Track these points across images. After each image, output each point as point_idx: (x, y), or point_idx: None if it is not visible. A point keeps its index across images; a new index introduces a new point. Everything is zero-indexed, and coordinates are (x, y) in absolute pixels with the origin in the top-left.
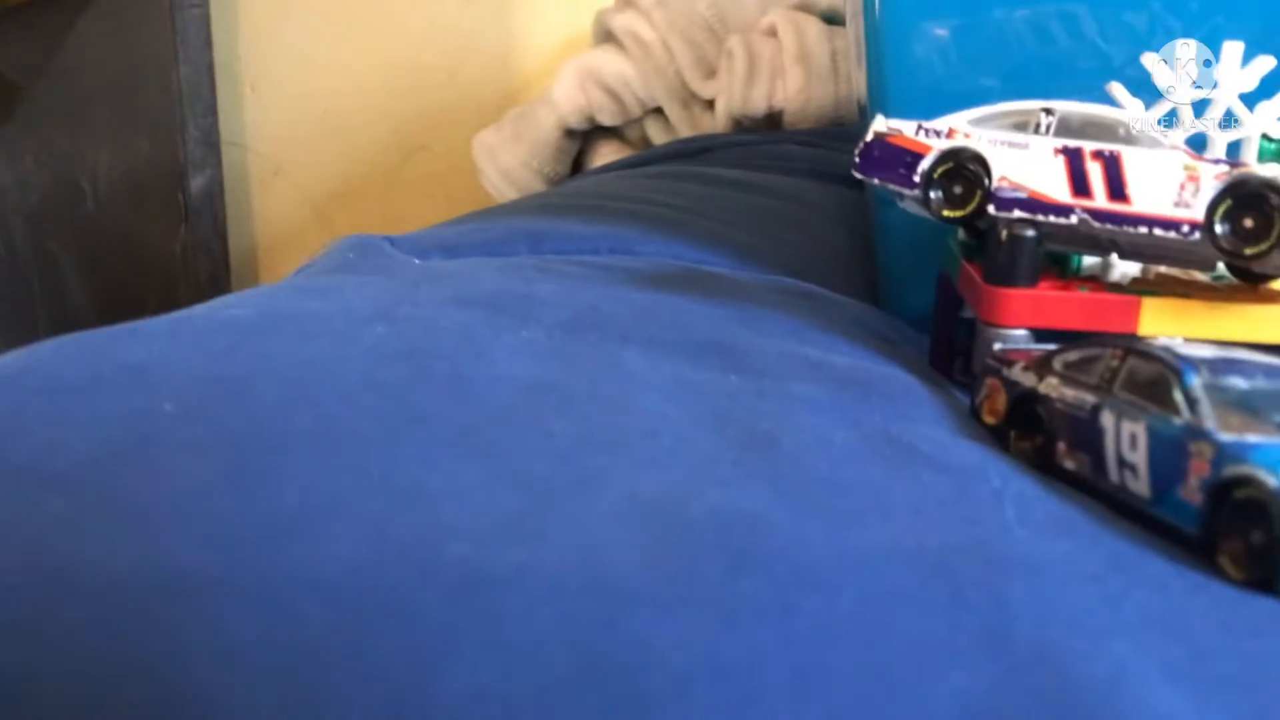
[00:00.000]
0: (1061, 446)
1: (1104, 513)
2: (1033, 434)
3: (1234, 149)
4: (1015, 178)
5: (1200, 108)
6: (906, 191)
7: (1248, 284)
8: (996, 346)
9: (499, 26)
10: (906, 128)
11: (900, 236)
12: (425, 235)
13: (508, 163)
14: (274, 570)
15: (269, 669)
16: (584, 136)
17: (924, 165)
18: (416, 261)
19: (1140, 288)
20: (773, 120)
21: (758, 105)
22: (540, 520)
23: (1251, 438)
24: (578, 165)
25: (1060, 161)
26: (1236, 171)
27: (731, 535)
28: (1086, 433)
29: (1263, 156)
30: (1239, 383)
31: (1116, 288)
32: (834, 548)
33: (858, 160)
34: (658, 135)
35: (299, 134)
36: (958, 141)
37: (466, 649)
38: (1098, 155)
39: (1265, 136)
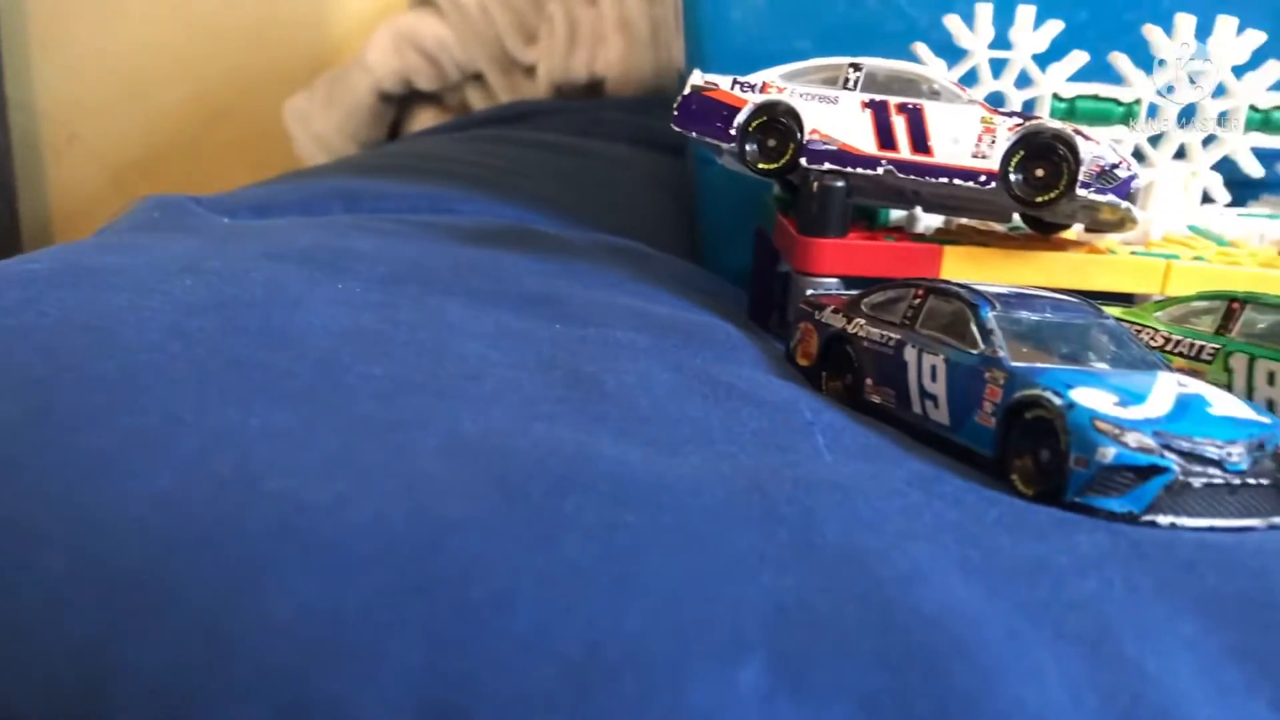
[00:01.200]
0: (869, 383)
1: (908, 441)
2: (843, 373)
3: (1029, 106)
4: (825, 131)
5: (998, 68)
6: (724, 145)
7: (1041, 234)
8: (809, 293)
9: None
10: (723, 82)
11: (719, 196)
12: (234, 195)
13: (321, 128)
14: (83, 512)
15: (79, 608)
16: (401, 102)
17: (740, 119)
18: (225, 220)
19: (942, 237)
20: (594, 87)
21: (579, 72)
22: (361, 456)
23: (1040, 364)
24: (396, 132)
25: (867, 115)
26: (1029, 124)
27: (554, 463)
28: (891, 368)
29: (1054, 115)
30: (1029, 316)
31: (920, 237)
32: (655, 471)
33: (676, 114)
34: (478, 101)
35: (95, 97)
36: (771, 96)
37: (290, 573)
38: (902, 109)
39: (1056, 96)
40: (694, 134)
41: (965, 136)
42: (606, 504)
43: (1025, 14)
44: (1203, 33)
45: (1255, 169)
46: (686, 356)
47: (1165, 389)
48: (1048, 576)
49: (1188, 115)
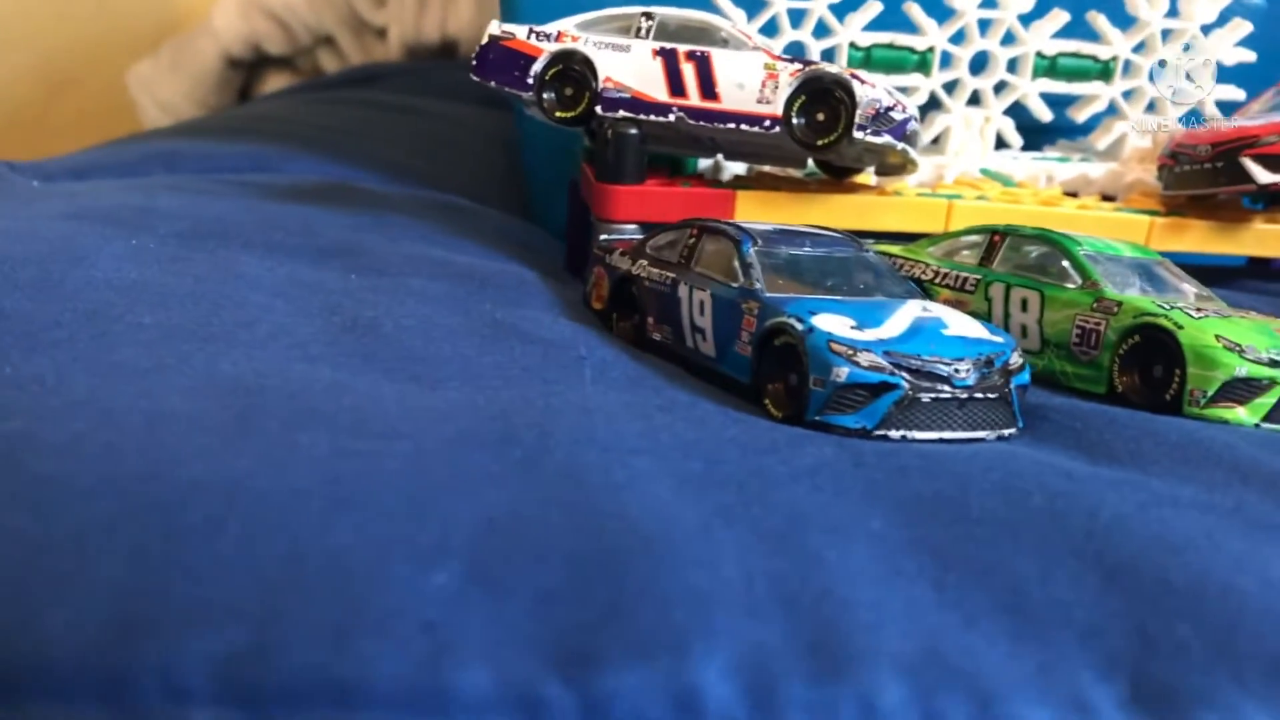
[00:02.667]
0: (651, 321)
1: (678, 374)
2: (631, 314)
3: (828, 55)
4: (619, 79)
5: (798, 17)
6: (522, 94)
7: (835, 178)
8: (602, 237)
9: None
10: (519, 31)
11: (540, 150)
12: (53, 161)
13: (167, 95)
14: None
15: None
16: (252, 67)
17: (536, 68)
18: (36, 184)
19: (740, 183)
20: (447, 49)
21: (430, 34)
22: (107, 398)
23: (792, 295)
24: (246, 98)
25: (658, 63)
26: (809, 69)
27: (303, 399)
28: (669, 306)
29: (851, 63)
30: (790, 251)
31: (717, 183)
32: (405, 405)
33: (474, 64)
34: (330, 65)
35: None
36: (567, 45)
37: (5, 505)
38: (690, 56)
39: (853, 45)
40: (492, 84)
41: (750, 83)
42: (343, 435)
43: None
44: None
45: (1044, 113)
46: (476, 302)
47: (906, 314)
48: (758, 483)
49: (980, 63)
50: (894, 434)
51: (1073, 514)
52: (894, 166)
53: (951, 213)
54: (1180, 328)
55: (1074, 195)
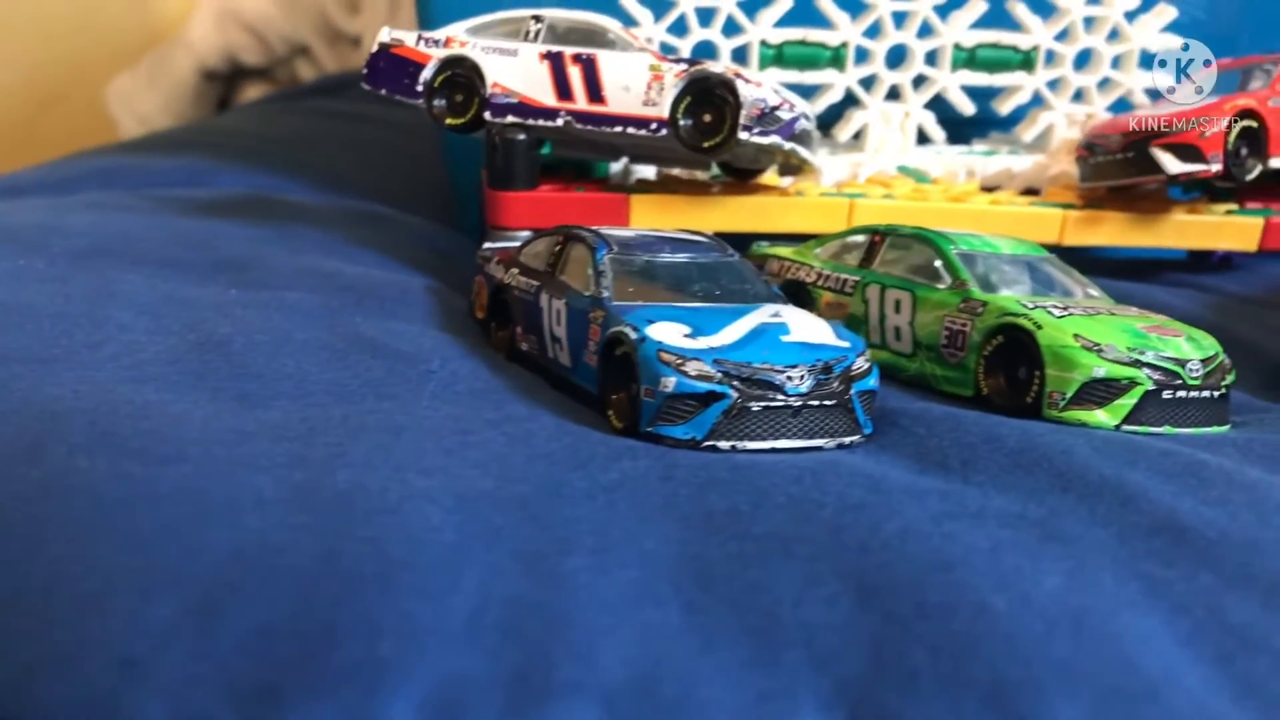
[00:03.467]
0: (519, 331)
1: (537, 387)
2: (507, 323)
3: (739, 54)
4: (507, 84)
5: (706, 16)
6: (411, 101)
7: (738, 179)
8: (485, 245)
9: None
10: (409, 38)
11: (460, 156)
12: None
13: (145, 109)
14: None
15: None
16: (231, 78)
17: (425, 74)
18: None
19: (636, 187)
20: None
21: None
22: None
23: (638, 303)
24: (226, 110)
25: (545, 67)
26: (694, 70)
27: (103, 423)
28: (533, 315)
29: (763, 61)
30: (647, 258)
31: (613, 187)
32: (209, 427)
33: (366, 72)
34: (308, 74)
35: None
36: (455, 50)
37: None
38: (577, 59)
39: (764, 42)
40: (384, 91)
41: (636, 85)
42: (127, 459)
43: None
44: None
45: (966, 106)
46: (348, 315)
47: (750, 320)
48: (547, 502)
49: (897, 57)
50: (723, 444)
51: (855, 529)
52: (795, 166)
53: (854, 212)
54: (1039, 328)
55: (997, 189)
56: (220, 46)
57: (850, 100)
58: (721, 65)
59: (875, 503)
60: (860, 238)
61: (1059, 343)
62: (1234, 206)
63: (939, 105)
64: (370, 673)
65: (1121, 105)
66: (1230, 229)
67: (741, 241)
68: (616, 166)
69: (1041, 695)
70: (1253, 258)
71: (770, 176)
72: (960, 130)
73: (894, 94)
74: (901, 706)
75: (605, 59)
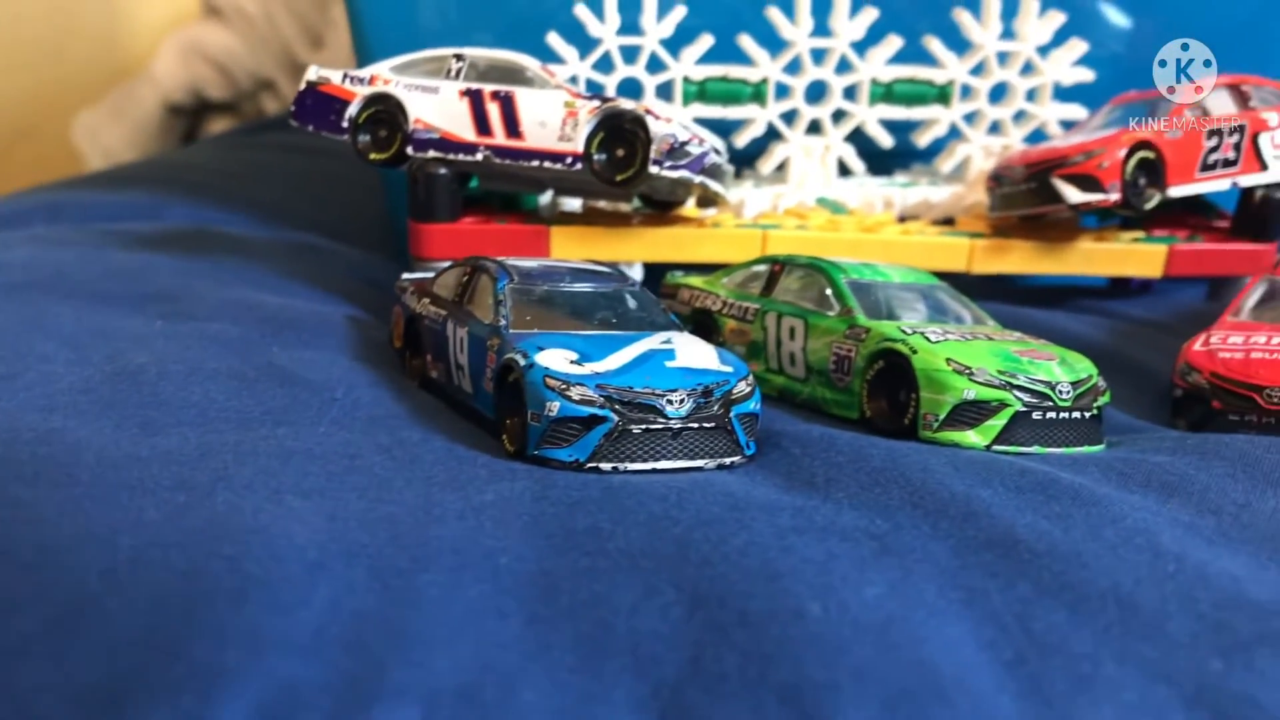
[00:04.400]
0: (429, 359)
1: (440, 413)
2: (419, 352)
3: (663, 90)
4: (429, 120)
5: (630, 54)
6: (337, 137)
7: (658, 211)
8: (404, 276)
9: (102, 3)
10: (335, 76)
11: (398, 188)
12: None
13: (110, 142)
14: None
15: None
16: (197, 113)
17: (351, 111)
18: None
19: (556, 219)
20: None
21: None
22: None
23: (532, 331)
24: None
25: (465, 103)
26: (607, 106)
27: (15, 449)
28: (441, 343)
29: (686, 97)
30: (547, 287)
31: (535, 219)
32: (105, 454)
33: (294, 109)
34: (274, 108)
35: None
36: (379, 88)
37: None
38: (495, 96)
39: (687, 79)
40: (311, 128)
41: (552, 121)
42: (15, 484)
43: (651, 2)
44: (823, 11)
45: (885, 139)
46: (264, 345)
47: (639, 347)
48: (416, 520)
49: (817, 92)
50: (605, 466)
51: (702, 544)
52: (711, 199)
53: (767, 242)
54: (915, 352)
55: (914, 219)
56: (185, 81)
57: (773, 134)
58: (633, 102)
59: (728, 519)
60: (762, 267)
61: (932, 367)
62: (1141, 234)
63: (860, 138)
64: (208, 680)
65: (1038, 137)
66: (1135, 256)
67: (660, 270)
68: (545, 199)
69: (837, 696)
70: (1172, 283)
71: (690, 209)
72: (886, 162)
73: (816, 128)
74: (708, 707)
75: (523, 96)
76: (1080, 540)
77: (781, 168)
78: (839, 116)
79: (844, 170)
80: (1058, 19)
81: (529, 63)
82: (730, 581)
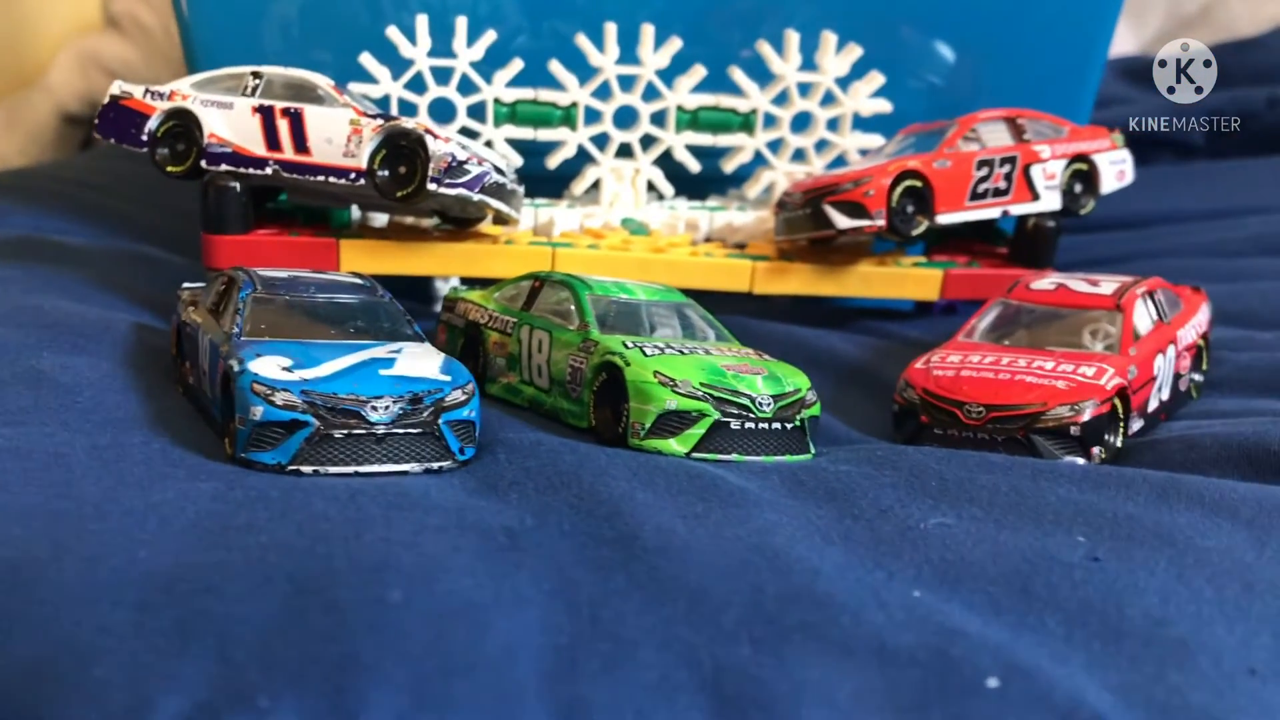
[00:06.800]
0: (187, 365)
1: (187, 417)
2: (184, 359)
3: (475, 111)
4: (222, 135)
5: (443, 76)
6: (138, 150)
7: (457, 228)
8: (185, 285)
9: (5, 11)
10: (137, 91)
11: None
12: None
13: (3, 151)
14: None
15: None
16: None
17: (150, 125)
18: None
19: (346, 233)
20: None
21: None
22: None
23: (260, 339)
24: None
25: (257, 120)
26: (389, 124)
27: None
28: (194, 351)
29: (498, 119)
30: (289, 297)
31: (327, 232)
32: None
33: (97, 123)
34: None
35: None
36: (177, 103)
37: None
38: (285, 113)
39: (499, 101)
40: (113, 140)
41: (337, 137)
42: None
43: (461, 23)
44: (632, 40)
45: (692, 164)
46: (33, 351)
47: (360, 356)
48: (76, 515)
49: (628, 117)
50: (306, 469)
51: (335, 539)
52: (506, 218)
53: (556, 259)
54: (628, 365)
55: (720, 242)
56: (81, 91)
57: (586, 157)
58: (414, 121)
59: (377, 517)
60: (526, 283)
61: (641, 379)
62: (921, 259)
63: (672, 163)
64: None
65: (840, 164)
66: (912, 279)
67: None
68: (358, 213)
69: (373, 675)
70: (976, 305)
71: (489, 227)
72: (704, 187)
73: (628, 151)
74: (267, 683)
75: (311, 113)
76: (701, 539)
77: (595, 189)
78: (648, 142)
79: (670, 194)
80: (855, 52)
81: (321, 82)
82: (336, 573)
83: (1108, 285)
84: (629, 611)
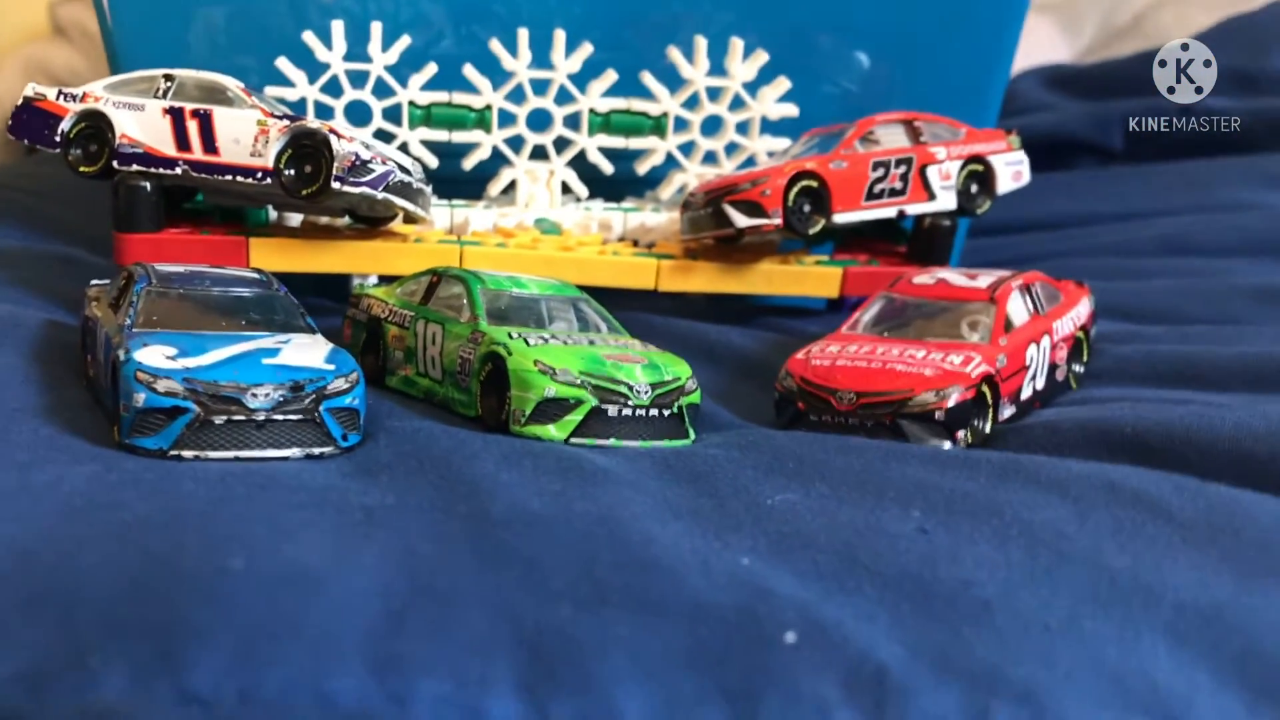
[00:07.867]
0: (89, 359)
1: (79, 409)
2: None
3: (391, 113)
4: (134, 135)
5: (360, 79)
6: (51, 151)
7: (369, 226)
8: (91, 282)
9: None
10: (50, 93)
11: None
12: None
13: None
14: None
15: None
16: None
17: (63, 126)
18: None
19: (255, 231)
20: None
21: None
22: None
23: (151, 330)
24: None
25: (167, 121)
26: (295, 125)
27: None
28: (95, 343)
29: (412, 121)
30: (181, 290)
31: (238, 231)
32: None
33: (10, 123)
34: None
35: None
36: (90, 105)
37: None
38: (195, 114)
39: (413, 104)
40: (26, 141)
41: (245, 138)
42: None
43: (376, 29)
44: (545, 45)
45: (606, 166)
46: None
47: (245, 345)
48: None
49: (542, 120)
50: (187, 454)
51: (195, 515)
52: (416, 217)
53: (464, 257)
54: (511, 354)
55: (631, 241)
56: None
57: (502, 159)
58: (319, 122)
59: (240, 496)
60: (425, 278)
61: (522, 367)
62: (824, 258)
63: (588, 165)
64: None
65: (750, 166)
66: (812, 277)
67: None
68: (274, 215)
69: (200, 636)
70: None
71: (400, 226)
72: (621, 189)
73: (543, 154)
74: (99, 647)
75: (220, 114)
76: (550, 515)
77: (512, 190)
78: (562, 144)
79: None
80: (762, 58)
81: (230, 84)
82: (189, 546)
83: (985, 279)
84: (464, 578)
